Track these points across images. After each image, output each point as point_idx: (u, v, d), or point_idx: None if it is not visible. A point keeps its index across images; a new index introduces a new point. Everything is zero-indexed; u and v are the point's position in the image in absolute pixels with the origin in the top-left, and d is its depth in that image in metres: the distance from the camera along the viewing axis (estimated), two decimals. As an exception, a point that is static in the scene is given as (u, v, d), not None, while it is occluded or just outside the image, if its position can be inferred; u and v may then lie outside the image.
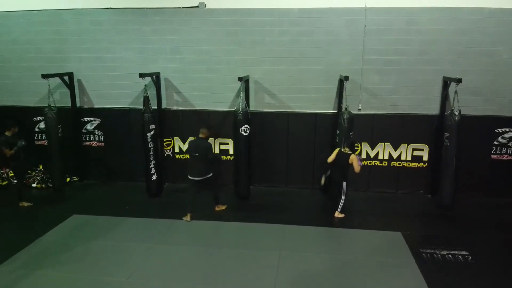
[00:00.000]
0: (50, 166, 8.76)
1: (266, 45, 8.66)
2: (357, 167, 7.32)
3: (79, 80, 9.35)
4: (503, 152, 8.58)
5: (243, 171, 8.33)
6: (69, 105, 9.29)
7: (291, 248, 6.51)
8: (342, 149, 7.59)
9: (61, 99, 9.35)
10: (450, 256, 6.24)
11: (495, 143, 8.54)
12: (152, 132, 8.40)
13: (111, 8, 8.93)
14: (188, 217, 7.58)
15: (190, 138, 8.71)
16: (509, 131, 8.46)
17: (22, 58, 9.41)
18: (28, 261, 6.02)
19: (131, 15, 8.89)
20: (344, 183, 7.56)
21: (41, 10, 9.13)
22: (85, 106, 9.48)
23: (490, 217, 7.82)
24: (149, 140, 8.40)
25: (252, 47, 8.71)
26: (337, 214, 7.67)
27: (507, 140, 8.50)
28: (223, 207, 8.05)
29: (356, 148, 7.92)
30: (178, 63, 8.98)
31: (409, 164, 8.91)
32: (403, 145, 8.82)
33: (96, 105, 9.46)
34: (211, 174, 7.54)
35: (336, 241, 6.97)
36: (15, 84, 9.56)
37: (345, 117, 7.74)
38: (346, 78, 7.73)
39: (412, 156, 8.86)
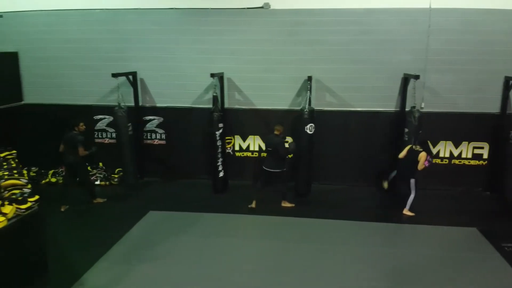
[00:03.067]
0: (123, 163, 8.88)
1: (328, 45, 8.81)
2: (421, 165, 7.47)
3: (141, 79, 9.50)
4: None
5: (304, 168, 8.45)
6: (131, 104, 9.41)
7: (370, 243, 6.66)
8: (414, 147, 7.71)
9: (121, 98, 9.46)
10: (534, 250, 6.33)
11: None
12: (220, 131, 8.56)
13: (174, 8, 9.07)
14: (253, 204, 7.99)
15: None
16: None
17: (81, 57, 9.56)
18: (124, 256, 6.19)
19: (194, 15, 9.05)
20: (412, 181, 7.70)
21: (102, 9, 9.27)
22: (147, 105, 9.63)
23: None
24: (217, 138, 8.57)
25: (314, 46, 8.85)
26: (406, 212, 7.79)
27: None
28: (290, 205, 8.17)
29: (426, 146, 7.98)
30: (239, 63, 9.14)
31: (469, 162, 9.04)
32: (464, 143, 8.93)
33: (158, 104, 9.60)
34: (282, 169, 7.75)
35: (411, 237, 7.10)
36: (74, 83, 9.71)
37: (416, 115, 7.86)
38: (417, 77, 7.85)
39: (473, 154, 8.96)
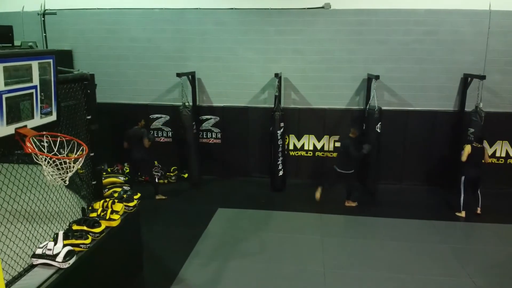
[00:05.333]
0: (188, 162, 8.98)
1: (389, 44, 8.93)
2: (488, 158, 7.58)
3: (198, 79, 9.57)
4: None
5: (373, 168, 8.56)
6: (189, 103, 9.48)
7: (450, 241, 6.78)
8: (474, 144, 7.77)
9: (179, 97, 9.56)
10: None
11: None
12: (282, 130, 8.66)
13: (234, 8, 9.14)
14: (318, 191, 8.21)
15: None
16: None
17: (140, 56, 9.64)
18: (213, 253, 6.28)
19: (254, 16, 9.13)
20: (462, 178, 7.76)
21: (162, 8, 9.33)
22: (203, 104, 9.70)
23: None
24: (278, 137, 8.66)
25: (374, 46, 8.97)
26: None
27: None
28: (354, 204, 8.24)
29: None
30: (298, 63, 9.25)
31: (525, 161, 9.16)
32: (521, 143, 9.07)
33: (215, 104, 9.67)
34: (352, 171, 7.84)
35: (481, 234, 7.18)
36: (131, 81, 9.80)
37: (482, 115, 7.96)
38: (482, 77, 7.95)
39: (528, 153, 9.10)
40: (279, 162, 8.86)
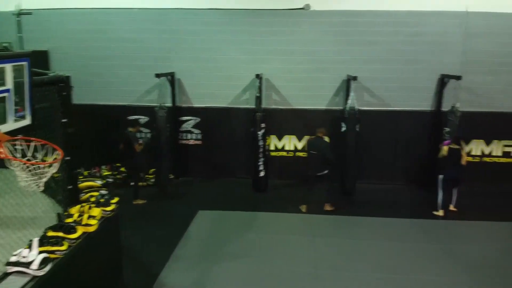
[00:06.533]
0: (158, 164, 8.85)
1: (370, 46, 9.04)
2: (465, 160, 7.74)
3: (178, 80, 9.49)
4: None
5: (351, 168, 8.63)
6: (168, 104, 9.38)
7: (425, 240, 6.90)
8: (451, 146, 7.93)
9: (158, 98, 9.45)
10: None
11: None
12: (263, 131, 8.65)
13: (214, 9, 9.10)
14: (304, 208, 8.04)
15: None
16: None
17: (120, 56, 9.47)
18: (194, 256, 6.22)
19: (236, 16, 9.12)
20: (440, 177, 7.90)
21: (143, 8, 9.21)
22: (183, 105, 9.62)
23: None
24: (259, 138, 8.66)
25: (355, 47, 9.06)
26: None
27: None
28: (331, 208, 8.15)
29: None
30: (280, 64, 9.26)
31: (499, 160, 9.38)
32: (495, 142, 9.29)
33: (195, 104, 9.60)
34: (327, 171, 7.86)
35: (460, 232, 7.33)
36: (111, 82, 9.62)
37: (458, 114, 8.12)
38: (459, 77, 8.14)
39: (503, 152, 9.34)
40: (260, 163, 8.86)
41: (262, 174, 8.95)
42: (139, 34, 9.32)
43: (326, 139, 8.09)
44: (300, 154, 9.60)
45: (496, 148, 9.38)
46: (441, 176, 7.89)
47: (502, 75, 8.95)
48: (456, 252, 6.44)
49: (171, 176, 9.84)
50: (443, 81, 8.90)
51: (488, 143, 9.35)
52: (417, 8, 8.78)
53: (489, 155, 9.42)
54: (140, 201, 8.42)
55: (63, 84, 4.53)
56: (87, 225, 4.25)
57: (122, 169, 9.35)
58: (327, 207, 8.15)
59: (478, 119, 9.09)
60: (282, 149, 9.77)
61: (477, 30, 8.77)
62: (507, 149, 9.38)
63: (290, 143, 9.70)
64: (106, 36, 9.34)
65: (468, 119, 8.85)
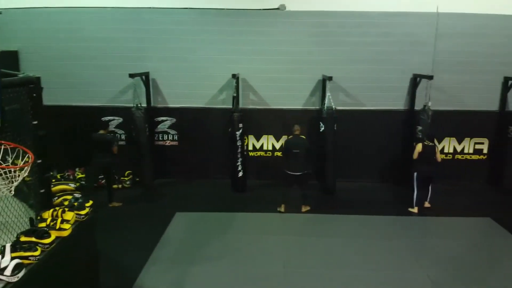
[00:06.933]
0: (140, 165, 8.74)
1: (344, 46, 9.14)
2: (439, 157, 7.92)
3: (153, 80, 9.37)
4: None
5: (330, 167, 8.72)
6: (143, 104, 9.23)
7: (404, 236, 7.04)
8: (425, 143, 8.08)
9: (133, 99, 9.30)
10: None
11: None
12: (240, 131, 8.64)
13: (189, 8, 9.03)
14: (282, 208, 8.02)
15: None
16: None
17: (93, 56, 9.27)
18: (172, 259, 6.15)
19: (211, 16, 9.05)
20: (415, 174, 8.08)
21: (115, 7, 9.05)
22: (159, 105, 9.51)
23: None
24: (237, 138, 8.64)
25: (330, 47, 9.15)
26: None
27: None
28: (308, 208, 8.17)
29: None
30: (257, 64, 9.25)
31: (470, 157, 9.65)
32: (466, 139, 9.55)
33: (171, 105, 9.51)
34: (308, 170, 7.91)
35: (434, 228, 7.54)
36: (83, 83, 9.38)
37: (429, 113, 8.31)
38: (430, 77, 8.33)
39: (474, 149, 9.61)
40: (239, 163, 8.84)
41: (240, 174, 8.93)
42: (112, 33, 9.14)
43: (303, 137, 8.11)
44: (279, 153, 9.63)
45: (468, 146, 9.60)
46: (415, 174, 8.04)
47: (472, 74, 9.20)
48: (430, 247, 6.61)
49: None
50: (415, 80, 9.08)
51: (460, 141, 9.57)
52: (389, 9, 8.92)
53: (461, 153, 9.63)
54: (116, 204, 8.27)
55: (33, 85, 4.39)
56: (60, 229, 4.15)
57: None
58: (304, 209, 8.15)
59: (450, 118, 9.32)
60: (261, 149, 9.76)
61: (448, 31, 9.00)
62: (478, 146, 9.62)
63: (268, 143, 9.72)
64: (78, 36, 9.12)
65: (441, 118, 9.12)
